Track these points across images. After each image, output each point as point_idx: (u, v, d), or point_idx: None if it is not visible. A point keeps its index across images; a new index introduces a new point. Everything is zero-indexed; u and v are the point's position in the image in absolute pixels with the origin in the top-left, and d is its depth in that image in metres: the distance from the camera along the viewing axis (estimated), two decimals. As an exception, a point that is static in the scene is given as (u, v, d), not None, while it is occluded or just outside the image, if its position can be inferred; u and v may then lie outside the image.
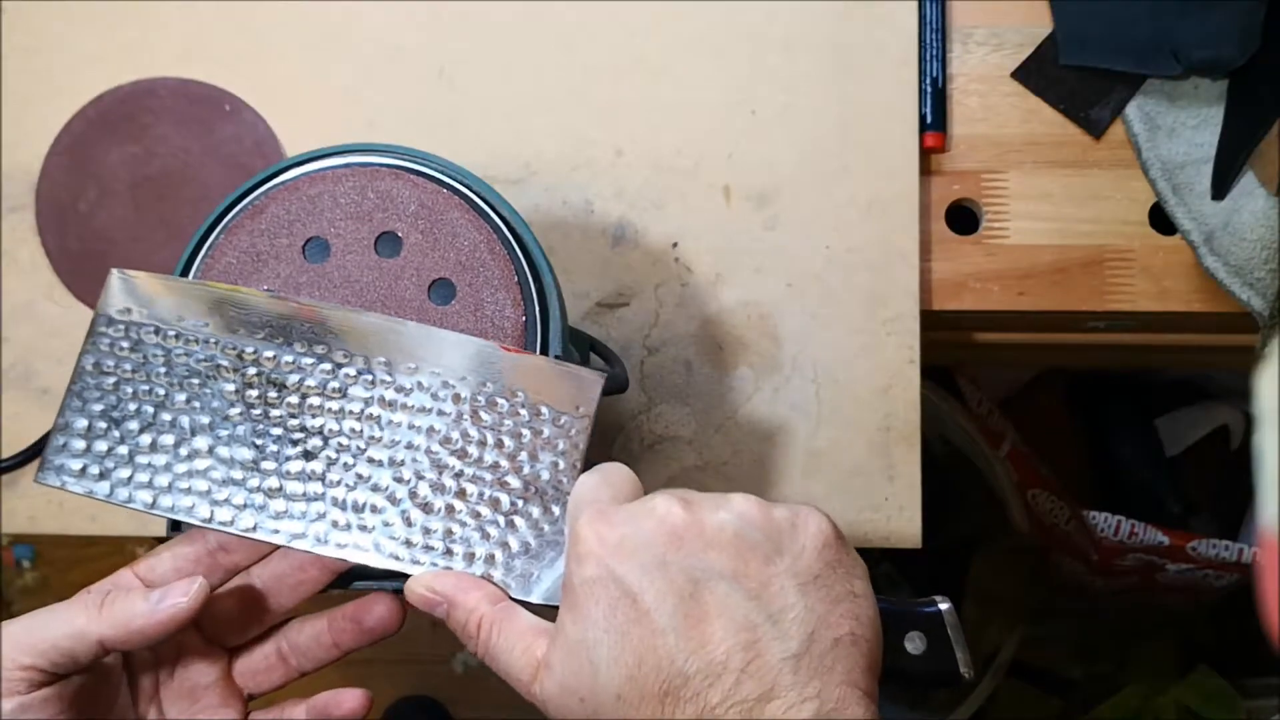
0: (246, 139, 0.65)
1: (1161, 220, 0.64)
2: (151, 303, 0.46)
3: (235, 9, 0.66)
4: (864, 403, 0.62)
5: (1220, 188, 0.63)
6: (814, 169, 0.64)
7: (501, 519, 0.44)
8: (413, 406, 0.45)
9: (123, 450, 0.44)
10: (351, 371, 0.45)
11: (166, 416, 0.44)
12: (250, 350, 0.45)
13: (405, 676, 1.35)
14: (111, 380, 0.45)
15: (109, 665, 0.44)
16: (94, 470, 0.44)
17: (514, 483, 0.44)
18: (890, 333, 0.62)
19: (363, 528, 0.44)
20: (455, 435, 0.44)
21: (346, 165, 0.49)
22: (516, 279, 0.47)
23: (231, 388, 0.45)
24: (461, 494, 0.44)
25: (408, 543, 0.44)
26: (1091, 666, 1.18)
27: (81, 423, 0.45)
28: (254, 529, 0.44)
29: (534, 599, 0.43)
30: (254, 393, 0.45)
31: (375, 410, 0.45)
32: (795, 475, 0.62)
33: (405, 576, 0.44)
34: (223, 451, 0.44)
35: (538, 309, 0.47)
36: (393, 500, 0.44)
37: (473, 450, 0.44)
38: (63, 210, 0.65)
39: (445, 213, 0.48)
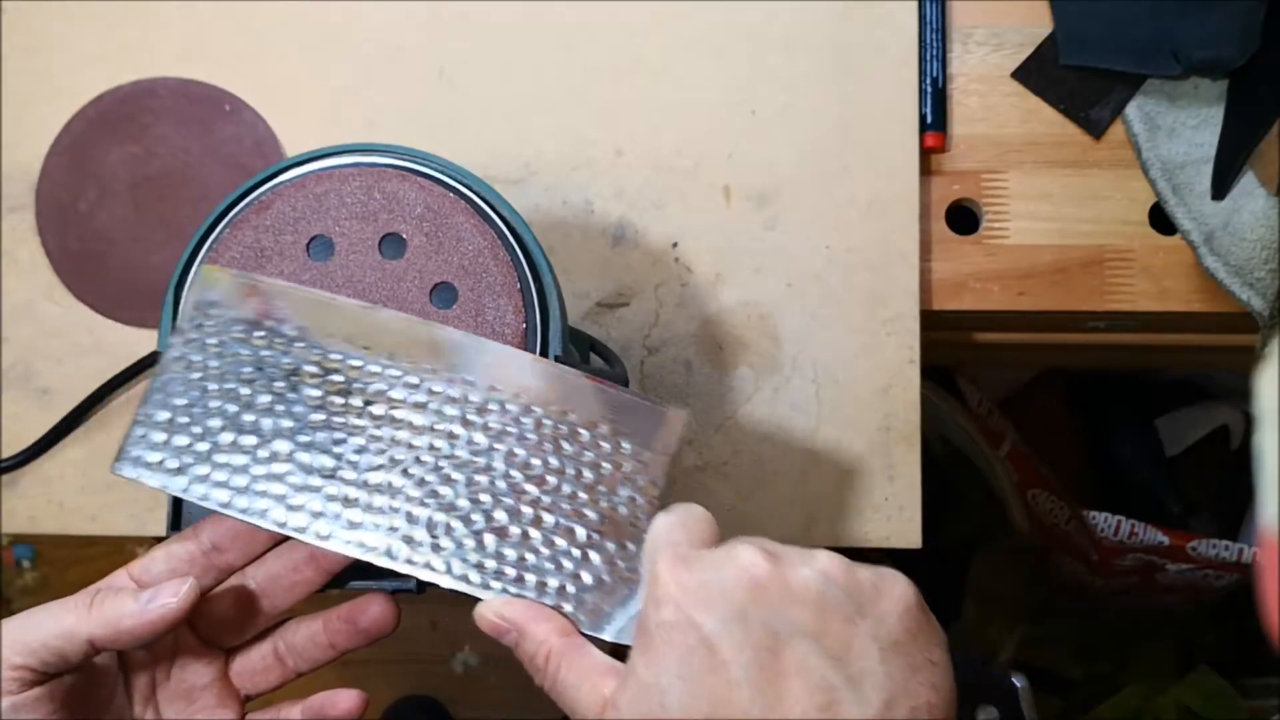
0: (246, 139, 0.65)
1: (1161, 220, 0.64)
2: (240, 301, 0.45)
3: (235, 9, 0.66)
4: (864, 403, 0.62)
5: (1220, 188, 0.63)
6: (814, 169, 0.64)
7: (576, 551, 0.43)
8: (494, 429, 0.44)
9: (203, 447, 0.44)
10: (437, 388, 0.44)
11: (249, 417, 0.44)
12: (336, 357, 0.44)
13: (405, 676, 1.35)
14: (196, 375, 0.44)
15: (103, 665, 0.44)
16: (172, 464, 0.44)
17: (591, 515, 0.44)
18: (890, 333, 0.62)
19: (435, 546, 0.43)
20: (535, 461, 0.44)
21: (353, 165, 0.49)
22: (518, 285, 0.47)
23: (315, 393, 0.44)
24: (537, 521, 0.43)
25: (480, 566, 0.43)
26: (1091, 666, 1.18)
27: (163, 415, 0.44)
28: (328, 537, 0.43)
29: (605, 636, 0.42)
30: (337, 400, 0.44)
31: (457, 429, 0.44)
32: (795, 475, 0.62)
33: (404, 577, 0.44)
34: (302, 457, 0.43)
35: (538, 313, 0.47)
36: (467, 521, 0.43)
37: (551, 478, 0.44)
38: (63, 210, 0.65)
39: (450, 216, 0.48)
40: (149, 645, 0.45)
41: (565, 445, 0.44)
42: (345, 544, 0.43)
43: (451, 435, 0.44)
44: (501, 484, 0.44)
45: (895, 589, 0.40)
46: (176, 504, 0.48)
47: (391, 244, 0.48)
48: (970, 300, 0.64)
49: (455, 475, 0.44)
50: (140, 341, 0.64)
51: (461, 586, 0.43)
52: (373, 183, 0.48)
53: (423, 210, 0.48)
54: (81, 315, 0.64)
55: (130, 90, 0.66)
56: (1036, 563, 1.07)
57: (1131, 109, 0.64)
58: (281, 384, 0.44)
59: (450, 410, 0.44)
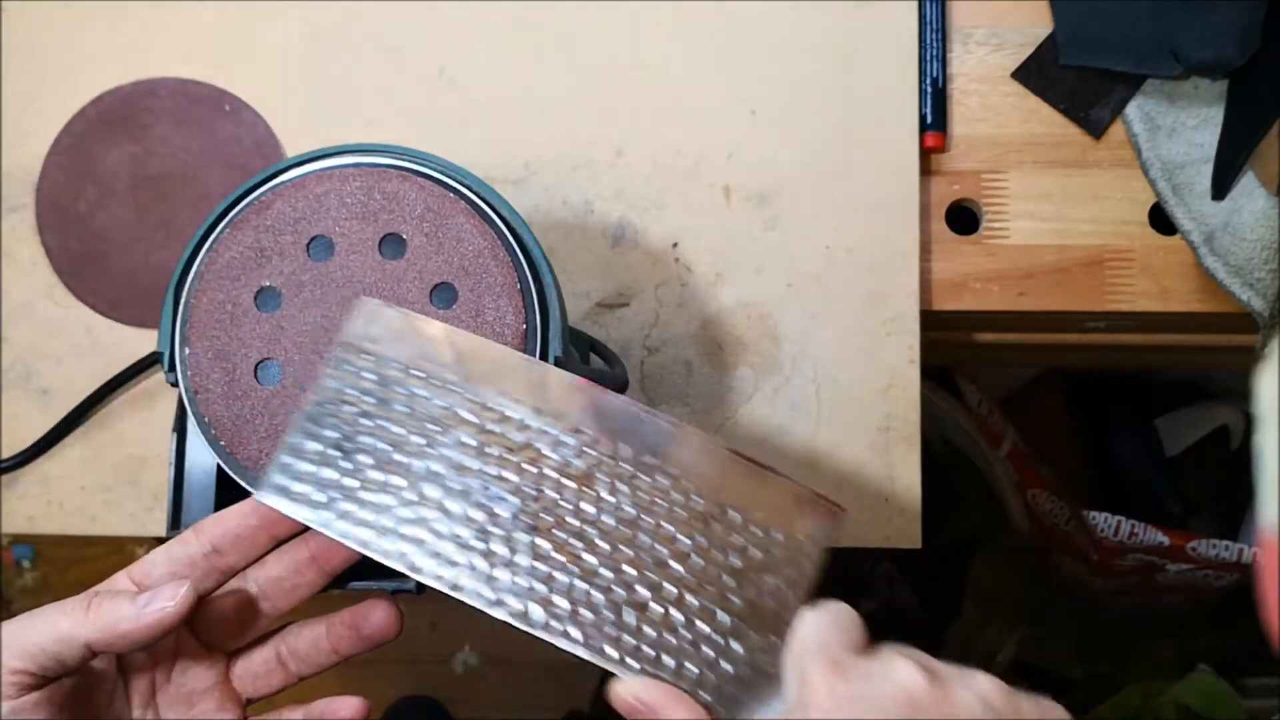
0: (246, 139, 0.65)
1: (1161, 220, 0.64)
2: (401, 339, 0.44)
3: (235, 9, 0.66)
4: (864, 403, 0.62)
5: (1220, 188, 0.63)
6: (814, 169, 0.64)
7: (718, 637, 0.41)
8: (644, 500, 0.42)
9: (351, 483, 0.42)
10: (593, 453, 0.43)
11: (400, 458, 0.42)
12: (494, 407, 0.43)
13: (405, 676, 1.35)
14: (351, 410, 0.43)
15: (101, 668, 0.44)
16: (317, 497, 0.42)
17: (736, 601, 0.42)
18: (890, 333, 0.62)
19: (574, 615, 0.41)
20: (682, 539, 0.42)
21: (353, 165, 0.49)
22: (519, 285, 0.47)
23: (471, 441, 0.42)
24: (680, 601, 0.42)
25: (617, 640, 0.41)
26: (1091, 666, 1.18)
27: (313, 446, 0.43)
28: (463, 589, 0.41)
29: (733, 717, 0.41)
30: (493, 451, 0.42)
31: (608, 497, 0.42)
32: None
33: (404, 578, 0.43)
34: (452, 506, 0.42)
35: (538, 314, 0.47)
36: (608, 592, 0.41)
37: (697, 558, 0.42)
38: (63, 210, 0.65)
39: (450, 216, 0.48)
40: (148, 648, 0.45)
41: (715, 526, 0.42)
42: (482, 600, 0.41)
43: (604, 503, 0.42)
44: (646, 557, 0.42)
45: None
46: (176, 505, 0.48)
47: (391, 244, 0.48)
48: (970, 300, 0.64)
49: (603, 545, 0.42)
50: (140, 341, 0.64)
51: (597, 659, 0.41)
52: (373, 183, 0.48)
53: (423, 210, 0.48)
54: (81, 315, 0.64)
55: (130, 90, 0.66)
56: (1036, 563, 1.07)
57: (1131, 109, 0.64)
58: (435, 428, 0.43)
59: (604, 477, 0.42)
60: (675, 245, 0.64)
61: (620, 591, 0.42)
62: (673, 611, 0.42)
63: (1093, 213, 0.64)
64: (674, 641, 0.41)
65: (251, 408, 0.46)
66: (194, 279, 0.48)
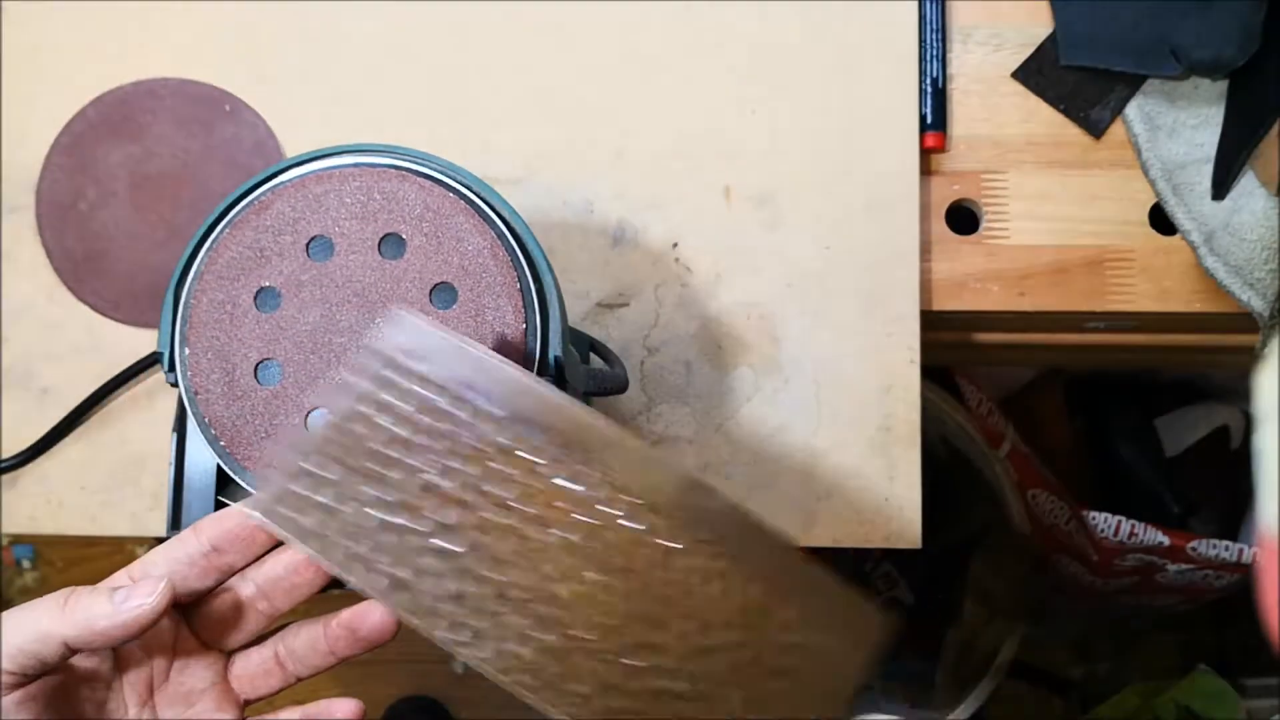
0: (246, 139, 0.65)
1: (1161, 220, 0.64)
2: (427, 359, 0.41)
3: (235, 9, 0.66)
4: (864, 403, 0.62)
5: (1220, 188, 0.63)
6: (814, 169, 0.64)
7: None
8: (658, 579, 0.39)
9: (349, 514, 0.40)
10: (622, 520, 0.39)
11: (399, 495, 0.40)
12: (524, 452, 0.39)
13: (405, 676, 1.35)
14: (359, 430, 0.40)
15: (92, 667, 0.44)
16: (307, 522, 0.40)
17: (735, 700, 0.39)
18: (890, 333, 0.62)
19: (559, 689, 0.39)
20: (691, 622, 0.39)
21: (353, 165, 0.49)
22: (519, 285, 0.47)
23: (498, 493, 0.39)
24: (663, 690, 0.39)
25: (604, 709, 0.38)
26: (1091, 666, 1.18)
27: (315, 472, 0.41)
28: (460, 642, 0.39)
29: None
30: (510, 496, 0.39)
31: (616, 571, 0.39)
32: (795, 475, 0.62)
33: None
34: (438, 543, 0.40)
35: (538, 314, 0.47)
36: (591, 656, 0.39)
37: (700, 638, 0.39)
38: (63, 210, 0.65)
39: (450, 216, 0.48)
40: (135, 644, 0.44)
41: (741, 617, 0.39)
42: (473, 657, 0.39)
43: (608, 585, 0.39)
44: (632, 638, 0.39)
45: None
46: (176, 504, 0.48)
47: (391, 244, 0.48)
48: (970, 300, 0.64)
49: (599, 619, 0.39)
50: (140, 341, 0.64)
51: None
52: (372, 183, 0.48)
53: (422, 210, 0.48)
54: (81, 315, 0.64)
55: (130, 90, 0.66)
56: (1036, 563, 1.07)
57: (1131, 109, 0.64)
58: (457, 463, 0.40)
59: (623, 544, 0.39)
60: (675, 245, 0.64)
61: (604, 669, 0.39)
62: (660, 685, 0.39)
63: (1093, 213, 0.64)
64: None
65: (251, 408, 0.46)
66: (194, 279, 0.48)
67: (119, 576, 0.44)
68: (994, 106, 0.66)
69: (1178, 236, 0.63)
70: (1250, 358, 0.62)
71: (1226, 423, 1.10)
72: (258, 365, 0.47)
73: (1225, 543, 1.00)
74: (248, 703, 0.47)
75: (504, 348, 0.47)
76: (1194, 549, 1.00)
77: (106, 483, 0.63)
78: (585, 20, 0.66)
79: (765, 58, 0.65)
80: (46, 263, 0.65)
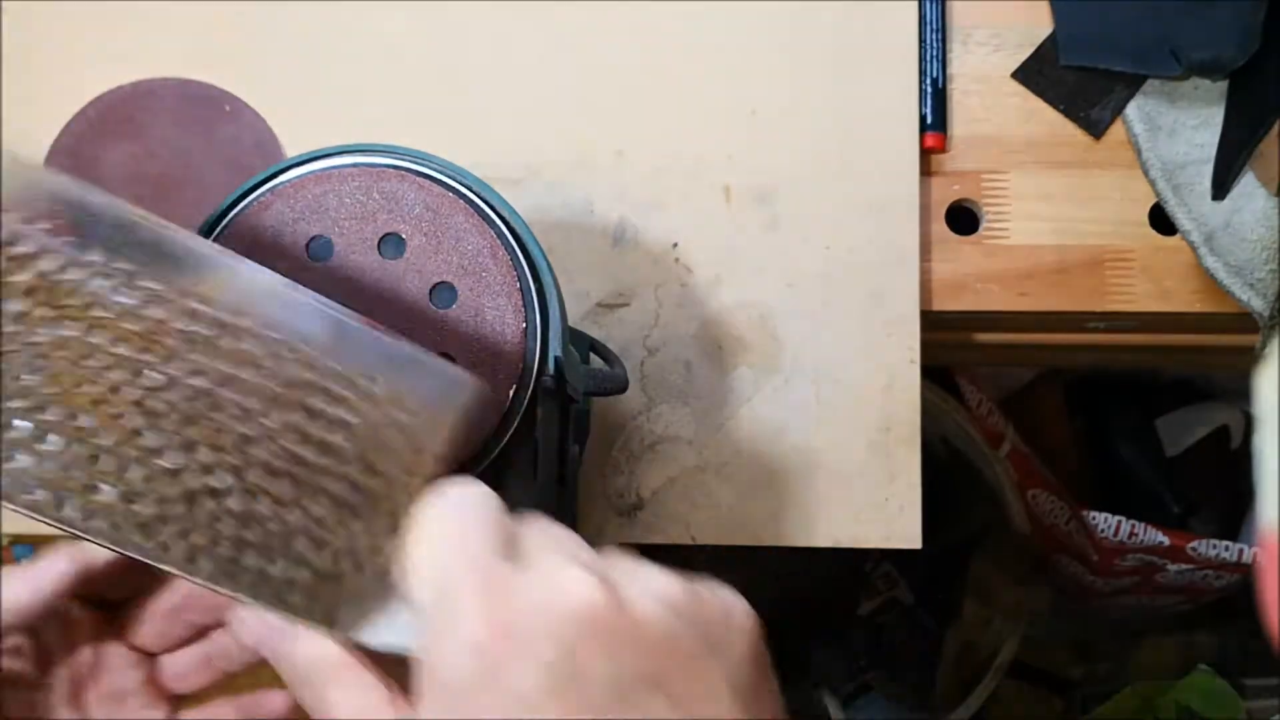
0: (246, 139, 0.65)
1: (1161, 220, 0.64)
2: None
3: (235, 9, 0.66)
4: (864, 403, 0.62)
5: (1220, 188, 0.63)
6: (814, 169, 0.64)
7: (328, 537, 0.35)
8: (227, 365, 0.35)
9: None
10: (164, 296, 0.35)
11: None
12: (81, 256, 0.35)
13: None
14: None
15: (16, 669, 0.44)
16: None
17: (341, 491, 0.35)
18: (890, 333, 0.62)
19: (129, 513, 0.34)
20: (281, 420, 0.35)
21: (352, 165, 0.49)
22: (518, 284, 0.47)
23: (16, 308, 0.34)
24: (283, 497, 0.35)
25: (212, 553, 0.34)
26: (1091, 666, 1.18)
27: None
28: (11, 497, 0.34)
29: (370, 642, 0.35)
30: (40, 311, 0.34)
31: (175, 368, 0.34)
32: (795, 475, 0.62)
33: None
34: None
35: (538, 314, 0.47)
36: (189, 493, 0.34)
37: (305, 438, 0.35)
38: (63, 210, 0.65)
39: (450, 216, 0.48)
40: (55, 641, 0.44)
41: (319, 406, 0.35)
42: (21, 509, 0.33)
43: (167, 361, 0.34)
44: (225, 439, 0.34)
45: (737, 614, 0.33)
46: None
47: (391, 244, 0.48)
48: (970, 300, 0.64)
49: (170, 418, 0.34)
50: (140, 341, 0.64)
51: (188, 573, 0.34)
52: (372, 182, 0.48)
53: (422, 210, 0.48)
54: (81, 315, 0.64)
55: (130, 90, 0.66)
56: (1036, 563, 1.07)
57: (1131, 109, 0.64)
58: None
59: (173, 337, 0.34)
60: (675, 245, 0.64)
61: (194, 479, 0.34)
62: (279, 512, 0.34)
63: (1093, 213, 0.64)
64: (279, 546, 0.34)
65: (251, 408, 0.46)
66: (194, 279, 0.48)
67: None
68: (994, 106, 0.65)
69: (1178, 236, 0.63)
70: (1250, 358, 0.62)
71: (1226, 423, 1.10)
72: (257, 365, 0.47)
73: (1225, 543, 1.00)
74: (179, 699, 0.46)
75: (503, 348, 0.47)
76: (1194, 549, 1.00)
77: (106, 483, 0.63)
78: (586, 20, 0.66)
79: (765, 58, 0.65)
80: (46, 263, 0.65)
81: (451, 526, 0.33)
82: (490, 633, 0.30)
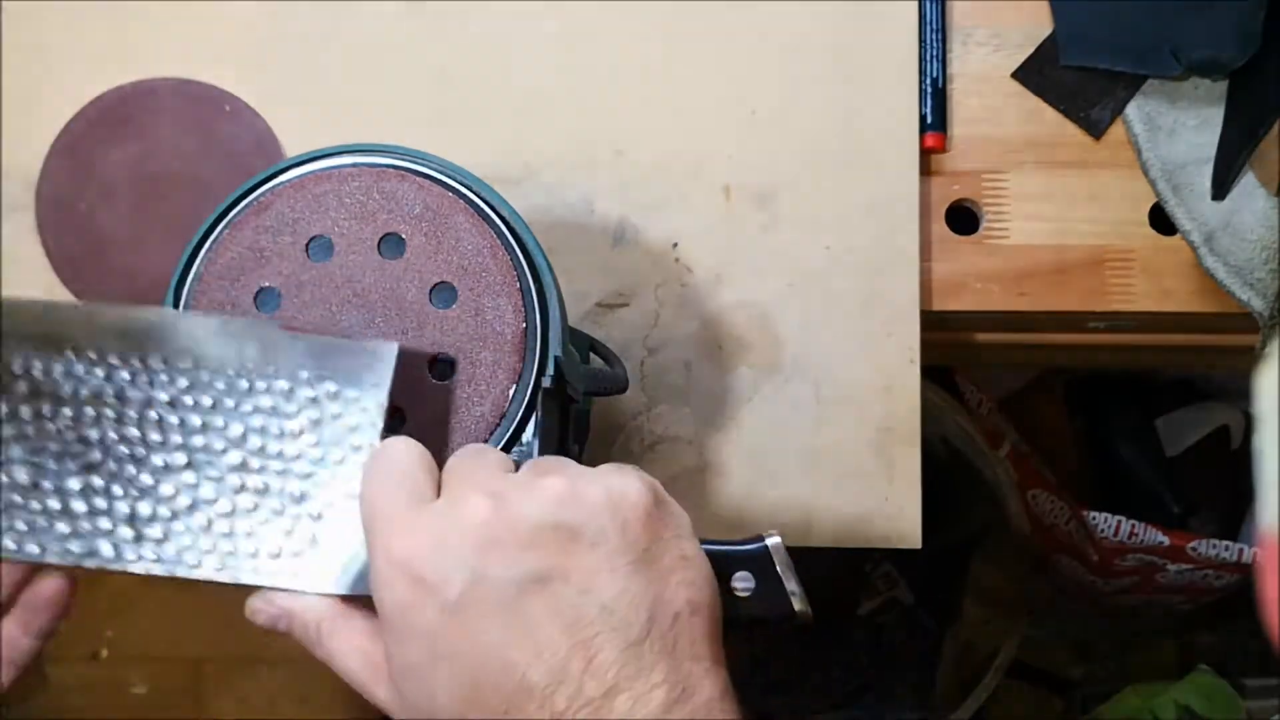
0: (246, 139, 0.65)
1: (1161, 220, 0.64)
2: None
3: (235, 9, 0.66)
4: (864, 403, 0.62)
5: (1220, 188, 0.63)
6: (814, 169, 0.64)
7: (306, 513, 0.42)
8: (193, 404, 0.42)
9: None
10: (126, 375, 0.42)
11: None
12: (17, 364, 0.42)
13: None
14: None
15: None
16: None
17: (316, 472, 0.42)
18: (890, 333, 0.62)
19: (156, 539, 0.42)
20: (242, 429, 0.42)
21: (352, 165, 0.49)
22: (518, 284, 0.47)
23: (2, 407, 0.42)
24: (260, 491, 0.42)
25: (212, 548, 0.42)
26: (1091, 666, 1.18)
27: None
28: (41, 554, 0.42)
29: (345, 589, 0.41)
30: (26, 409, 0.42)
31: (154, 413, 0.42)
32: (795, 475, 0.62)
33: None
34: None
35: (538, 314, 0.47)
36: (186, 508, 0.42)
37: (266, 443, 0.42)
38: (63, 210, 0.65)
39: (449, 216, 0.48)
40: None
41: (271, 402, 0.42)
42: (64, 555, 0.42)
43: (150, 420, 0.42)
44: (215, 460, 0.42)
45: (629, 494, 0.39)
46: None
47: (391, 244, 0.48)
48: (970, 300, 0.64)
49: (161, 461, 0.42)
50: (140, 341, 0.64)
51: (196, 574, 0.41)
52: (372, 182, 0.48)
53: (421, 210, 0.48)
54: (81, 315, 0.64)
55: (130, 90, 0.66)
56: (1036, 563, 1.07)
57: (1131, 109, 0.64)
58: None
59: (143, 394, 0.42)
60: (675, 245, 0.64)
61: (194, 502, 0.42)
62: (257, 502, 0.42)
63: (1093, 213, 0.64)
64: (264, 530, 0.42)
65: (251, 408, 0.47)
66: (194, 280, 0.48)
67: None
68: (994, 106, 0.66)
69: (1178, 236, 0.63)
70: (1250, 358, 0.62)
71: (1226, 423, 1.10)
72: (257, 365, 0.47)
73: (1225, 543, 1.00)
74: None
75: (503, 348, 0.47)
76: (1194, 549, 1.00)
77: (106, 483, 0.63)
78: (586, 20, 0.66)
79: (765, 58, 0.65)
80: (46, 263, 0.65)
81: (376, 485, 0.40)
82: (405, 563, 0.37)
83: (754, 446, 0.62)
